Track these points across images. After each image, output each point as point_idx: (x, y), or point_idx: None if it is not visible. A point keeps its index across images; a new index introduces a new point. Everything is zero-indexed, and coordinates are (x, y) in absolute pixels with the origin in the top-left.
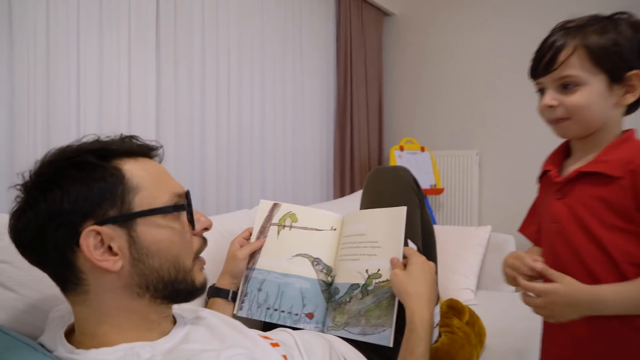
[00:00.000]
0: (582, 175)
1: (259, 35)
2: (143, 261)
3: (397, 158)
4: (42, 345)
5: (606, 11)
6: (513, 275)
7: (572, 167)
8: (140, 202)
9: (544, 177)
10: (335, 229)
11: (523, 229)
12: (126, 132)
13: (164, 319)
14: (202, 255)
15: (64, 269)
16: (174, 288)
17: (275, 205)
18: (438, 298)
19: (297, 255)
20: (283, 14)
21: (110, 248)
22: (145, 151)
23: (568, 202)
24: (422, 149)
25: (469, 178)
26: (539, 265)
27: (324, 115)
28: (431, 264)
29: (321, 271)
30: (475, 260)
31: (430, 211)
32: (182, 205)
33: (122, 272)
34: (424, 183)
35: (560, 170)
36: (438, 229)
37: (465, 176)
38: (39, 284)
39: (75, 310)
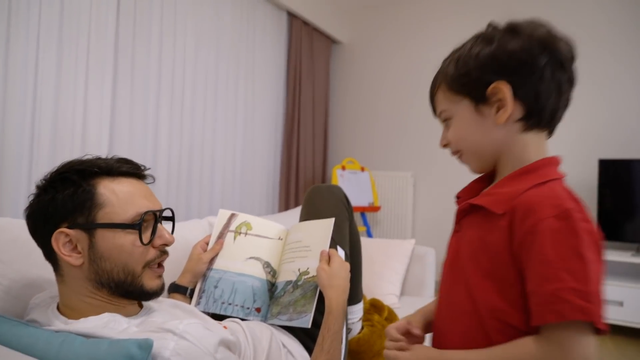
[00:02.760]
0: (474, 208)
1: (213, 56)
2: (97, 263)
3: (339, 177)
4: (35, 322)
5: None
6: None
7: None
8: (102, 216)
9: None
10: (281, 239)
11: None
12: (79, 141)
13: (127, 304)
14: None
15: (49, 254)
16: (124, 289)
17: (232, 215)
18: (362, 297)
19: (251, 258)
20: (237, 37)
21: (76, 247)
22: (127, 172)
23: (460, 238)
24: (362, 169)
25: (404, 197)
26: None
27: (273, 134)
28: (346, 263)
29: (269, 273)
30: (400, 269)
31: (368, 227)
32: (134, 224)
33: (83, 267)
34: (363, 201)
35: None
36: (370, 242)
37: (400, 195)
38: (19, 276)
39: (58, 288)
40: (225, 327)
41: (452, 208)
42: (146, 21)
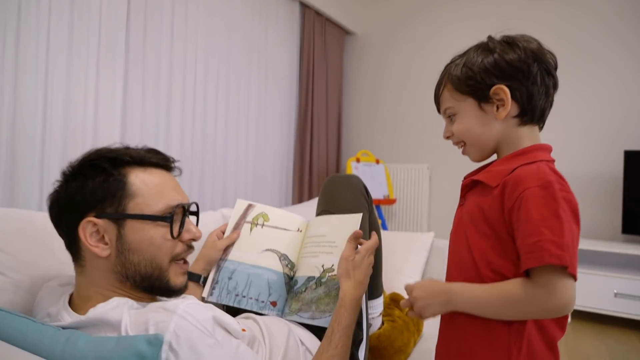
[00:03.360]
0: (474, 184)
1: (225, 47)
2: (125, 255)
3: (354, 169)
4: (49, 315)
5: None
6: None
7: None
8: (133, 206)
9: None
10: (300, 231)
11: None
12: (90, 135)
13: (146, 298)
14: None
15: (72, 243)
16: (149, 283)
17: (250, 206)
18: (382, 291)
19: (267, 250)
20: (250, 28)
21: (103, 237)
22: (158, 163)
23: (463, 209)
24: (377, 161)
25: (420, 190)
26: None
27: (286, 126)
28: (371, 258)
29: (286, 266)
30: (419, 262)
31: (383, 220)
32: (165, 217)
33: (109, 258)
34: (378, 193)
35: None
36: (388, 235)
37: (416, 188)
38: (26, 268)
39: (76, 278)
40: (243, 330)
41: None
42: (157, 14)
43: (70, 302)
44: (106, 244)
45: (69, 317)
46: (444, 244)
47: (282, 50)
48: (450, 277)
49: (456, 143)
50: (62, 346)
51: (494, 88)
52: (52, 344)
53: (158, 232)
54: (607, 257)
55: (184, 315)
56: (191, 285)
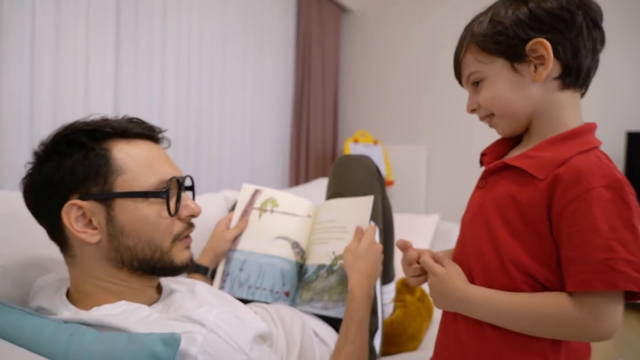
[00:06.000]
0: (506, 168)
1: (220, 25)
2: (118, 239)
3: (352, 150)
4: (41, 309)
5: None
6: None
7: (511, 156)
8: (121, 183)
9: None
10: (310, 216)
11: None
12: (81, 113)
13: (147, 288)
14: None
15: (56, 231)
16: (149, 266)
17: (257, 191)
18: (394, 276)
19: (279, 237)
20: (245, 5)
21: (91, 221)
22: (144, 134)
23: (485, 193)
24: (375, 142)
25: (418, 172)
26: (423, 255)
27: (282, 106)
28: (378, 245)
29: (298, 254)
30: (424, 245)
31: None
32: (160, 192)
33: (100, 244)
34: None
35: (502, 157)
36: None
37: (414, 170)
38: (19, 255)
39: (69, 270)
40: (255, 312)
41: (466, 183)
42: None
43: (68, 296)
44: (95, 228)
45: (67, 311)
46: (449, 226)
47: (278, 28)
48: (469, 274)
49: (483, 117)
50: (65, 343)
51: (531, 43)
52: (54, 340)
53: (153, 210)
54: None
55: (214, 329)
56: (199, 278)
